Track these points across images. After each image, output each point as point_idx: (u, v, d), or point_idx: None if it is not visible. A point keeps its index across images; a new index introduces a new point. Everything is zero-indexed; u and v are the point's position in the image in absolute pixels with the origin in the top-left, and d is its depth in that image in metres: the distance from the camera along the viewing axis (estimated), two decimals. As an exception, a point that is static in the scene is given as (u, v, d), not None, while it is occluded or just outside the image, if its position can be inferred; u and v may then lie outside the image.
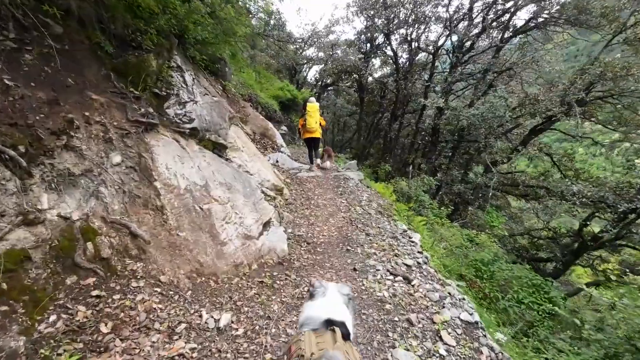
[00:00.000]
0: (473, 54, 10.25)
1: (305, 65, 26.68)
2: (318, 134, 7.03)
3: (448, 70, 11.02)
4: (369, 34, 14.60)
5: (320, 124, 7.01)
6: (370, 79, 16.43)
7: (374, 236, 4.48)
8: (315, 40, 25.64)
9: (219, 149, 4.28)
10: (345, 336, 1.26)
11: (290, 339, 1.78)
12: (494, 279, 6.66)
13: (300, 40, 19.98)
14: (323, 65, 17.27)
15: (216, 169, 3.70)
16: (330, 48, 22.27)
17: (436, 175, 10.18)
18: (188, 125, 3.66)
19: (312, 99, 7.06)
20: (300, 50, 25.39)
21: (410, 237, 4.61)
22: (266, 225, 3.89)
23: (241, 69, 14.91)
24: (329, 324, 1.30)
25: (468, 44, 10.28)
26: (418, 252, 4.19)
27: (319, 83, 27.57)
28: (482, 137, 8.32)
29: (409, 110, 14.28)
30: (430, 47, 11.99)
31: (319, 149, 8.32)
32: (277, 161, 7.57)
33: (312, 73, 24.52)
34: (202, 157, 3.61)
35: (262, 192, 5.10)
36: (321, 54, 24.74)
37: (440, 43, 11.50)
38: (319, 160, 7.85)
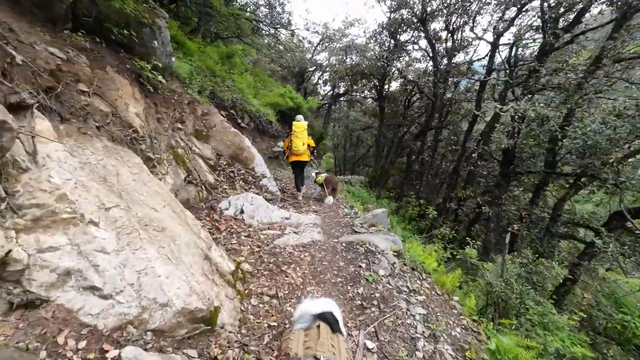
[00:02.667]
0: (582, 31, 6.51)
1: (315, 73, 23.72)
2: (305, 156, 5.82)
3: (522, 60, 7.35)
4: (394, 26, 11.26)
5: (308, 146, 5.79)
6: (394, 84, 13.01)
7: None
8: (327, 44, 22.84)
9: None
10: (334, 327, 1.41)
11: (283, 337, 1.76)
12: None
13: (298, 33, 16.85)
14: (335, 67, 13.94)
15: None
16: (344, 52, 19.21)
17: (506, 222, 6.56)
18: None
19: (300, 117, 5.97)
20: (310, 54, 22.53)
21: None
22: None
23: (232, 70, 11.86)
24: (319, 318, 1.43)
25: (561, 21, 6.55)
26: None
27: (330, 93, 24.44)
28: (605, 167, 4.69)
29: (445, 123, 10.72)
30: (481, 33, 8.48)
31: (321, 178, 6.49)
32: (241, 212, 4.09)
33: (322, 80, 21.35)
34: None
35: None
36: (333, 60, 21.73)
37: (501, 28, 7.96)
38: (304, 189, 6.51)
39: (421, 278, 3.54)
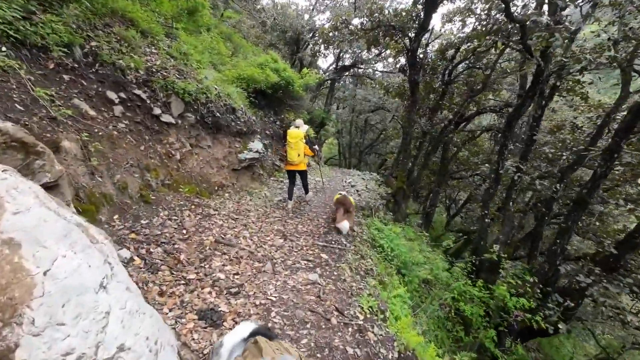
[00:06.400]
0: None
1: (313, 39, 18.63)
2: (302, 166, 5.37)
3: None
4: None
5: (305, 155, 5.29)
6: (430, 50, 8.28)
7: None
8: (329, 1, 17.72)
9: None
10: (270, 335, 1.32)
11: None
12: None
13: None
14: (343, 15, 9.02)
15: None
16: (352, 9, 14.23)
17: None
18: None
19: (299, 121, 5.34)
20: (307, 16, 17.50)
21: None
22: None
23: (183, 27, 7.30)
24: (251, 337, 1.29)
25: None
26: None
27: (333, 66, 19.40)
28: None
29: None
30: None
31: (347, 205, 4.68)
32: None
33: (321, 43, 16.36)
34: None
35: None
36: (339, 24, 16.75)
37: None
38: (309, 194, 6.16)
39: None
